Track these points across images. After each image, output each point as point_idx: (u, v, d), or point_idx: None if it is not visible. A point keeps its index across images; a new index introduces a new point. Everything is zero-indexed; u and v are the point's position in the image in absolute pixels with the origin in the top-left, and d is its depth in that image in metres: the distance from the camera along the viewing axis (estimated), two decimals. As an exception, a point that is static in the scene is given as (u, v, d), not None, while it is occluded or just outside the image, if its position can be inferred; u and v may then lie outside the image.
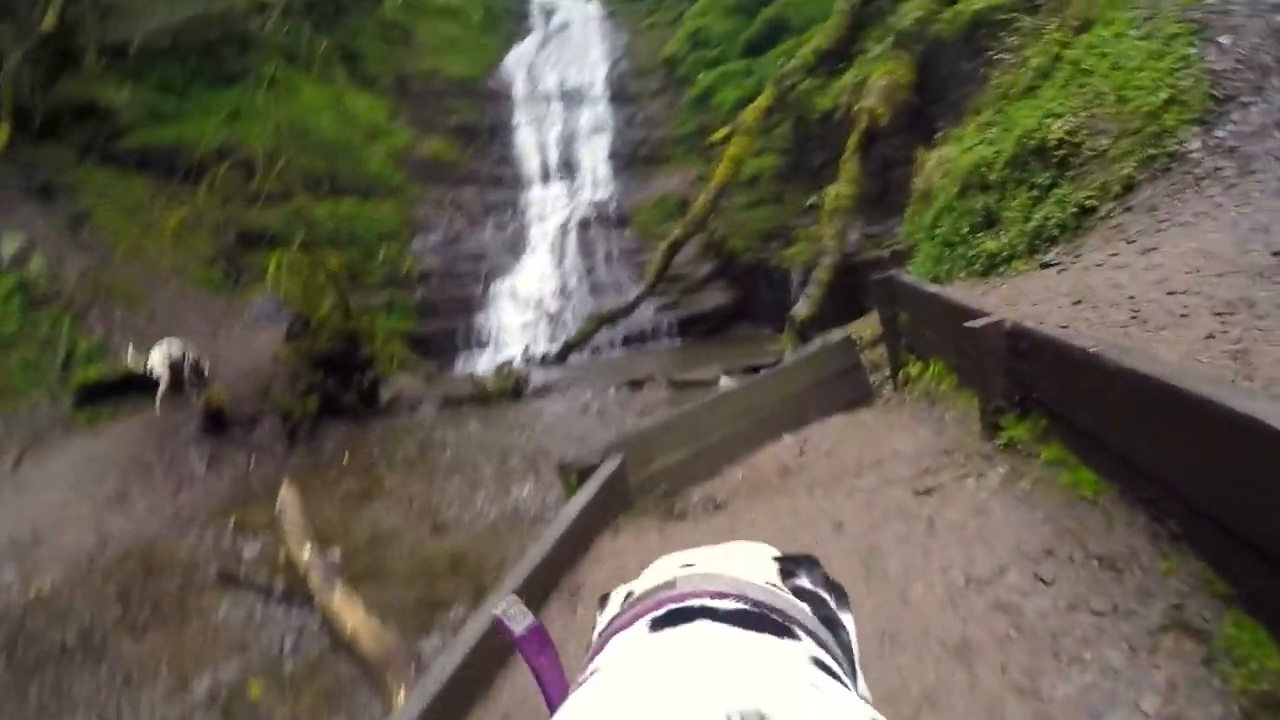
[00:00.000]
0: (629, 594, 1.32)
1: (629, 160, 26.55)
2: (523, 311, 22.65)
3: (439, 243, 23.97)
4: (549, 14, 32.23)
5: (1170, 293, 4.50)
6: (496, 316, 22.59)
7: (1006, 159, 10.93)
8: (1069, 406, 3.71)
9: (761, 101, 20.21)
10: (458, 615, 7.17)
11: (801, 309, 15.61)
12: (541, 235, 24.57)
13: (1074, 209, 9.11)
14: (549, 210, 25.52)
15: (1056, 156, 9.92)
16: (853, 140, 17.10)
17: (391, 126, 25.60)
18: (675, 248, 19.77)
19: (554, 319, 22.25)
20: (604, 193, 25.88)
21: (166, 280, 17.95)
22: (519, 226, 25.05)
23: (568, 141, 27.24)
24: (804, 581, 1.34)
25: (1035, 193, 10.14)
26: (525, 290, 23.08)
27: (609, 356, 20.93)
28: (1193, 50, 9.17)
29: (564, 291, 23.11)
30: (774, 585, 1.26)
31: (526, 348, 21.49)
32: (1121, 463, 3.32)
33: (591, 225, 24.51)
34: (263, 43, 18.51)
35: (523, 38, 30.74)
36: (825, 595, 1.34)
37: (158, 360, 14.23)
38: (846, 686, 1.01)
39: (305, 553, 8.43)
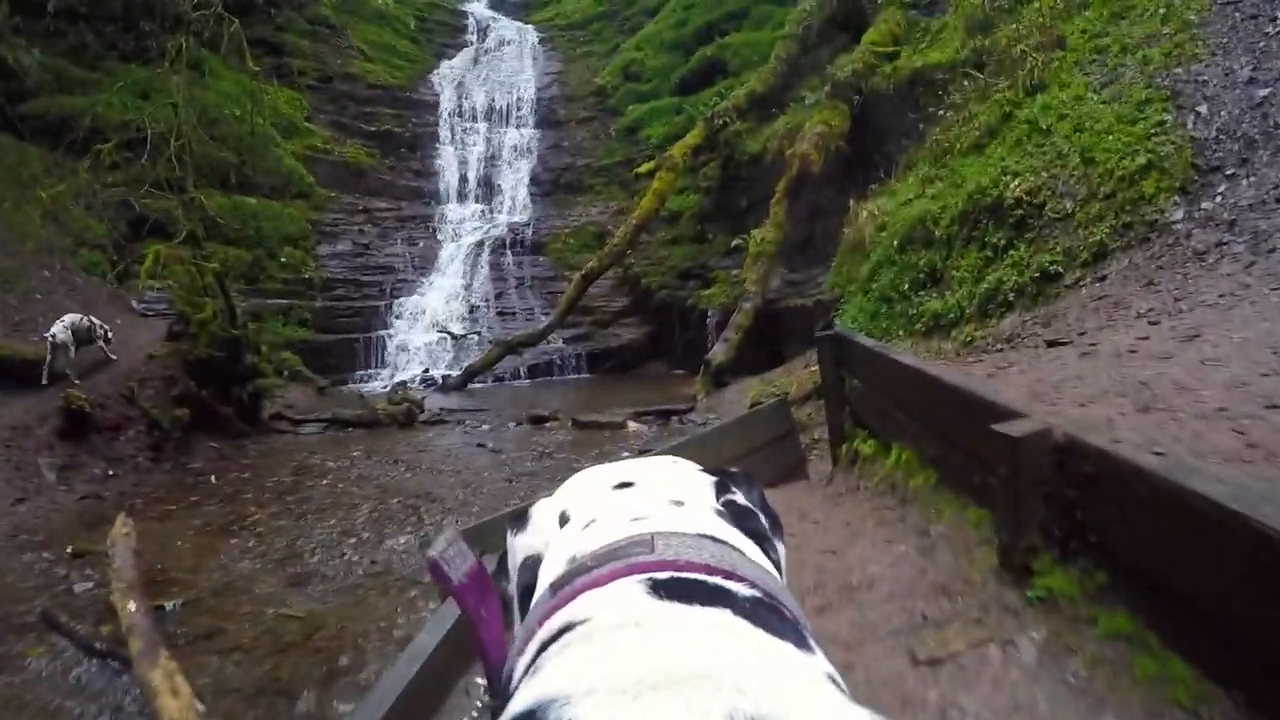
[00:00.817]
0: (564, 514, 1.21)
1: (551, 186, 25.63)
2: (427, 331, 21.42)
3: (346, 251, 22.64)
4: (484, 31, 31.29)
5: (1272, 406, 3.34)
6: (399, 334, 21.32)
7: (955, 215, 9.98)
8: (1154, 563, 2.47)
9: (691, 139, 19.47)
10: (304, 709, 5.77)
11: (719, 353, 14.61)
12: (454, 254, 23.50)
13: (1034, 274, 8.13)
14: (464, 229, 24.50)
15: (1014, 216, 8.97)
16: (782, 185, 16.34)
17: (309, 126, 24.24)
18: (590, 279, 18.82)
19: (459, 342, 21.06)
20: (522, 217, 24.86)
21: (51, 261, 16.29)
22: (431, 243, 23.91)
23: (490, 161, 26.20)
24: (739, 497, 1.27)
25: (987, 253, 9.16)
26: (431, 309, 21.92)
27: (513, 386, 19.81)
28: (1168, 117, 8.29)
29: (471, 314, 22.05)
30: (720, 516, 1.18)
31: (427, 370, 20.29)
32: (1248, 660, 2.15)
33: (506, 249, 23.54)
34: (183, 23, 16.90)
35: (456, 52, 29.72)
36: (758, 511, 1.26)
37: (59, 329, 12.92)
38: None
39: (130, 606, 6.94)
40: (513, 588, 1.25)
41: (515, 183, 25.77)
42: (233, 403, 13.82)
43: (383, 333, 21.19)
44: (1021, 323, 7.48)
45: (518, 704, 0.79)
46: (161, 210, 17.01)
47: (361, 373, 20.39)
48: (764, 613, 0.93)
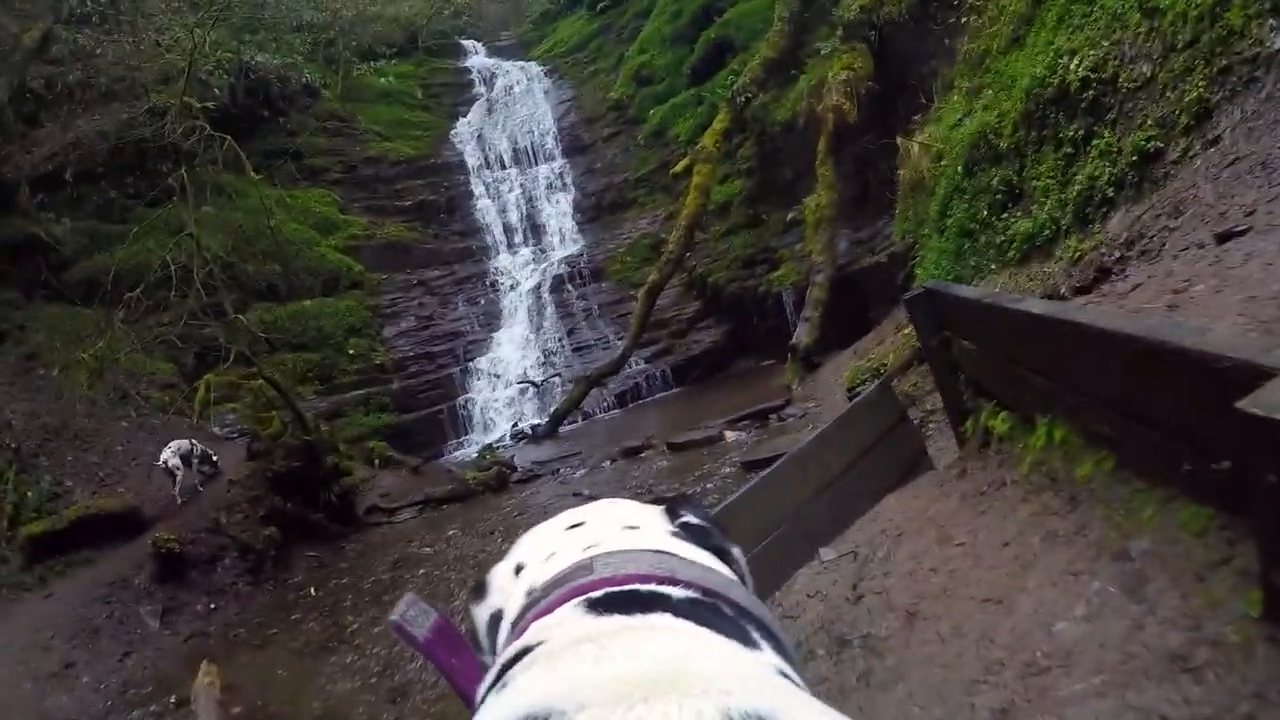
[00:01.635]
0: (519, 566, 1.20)
1: (594, 211, 24.53)
2: (507, 386, 20.52)
3: (411, 328, 21.87)
4: (490, 81, 30.46)
5: None
6: (480, 395, 20.49)
7: (1016, 119, 8.59)
8: None
9: (718, 125, 18.29)
10: None
11: (802, 335, 13.41)
12: (516, 303, 22.57)
13: (1130, 158, 6.73)
14: (520, 276, 23.53)
15: (1084, 100, 7.57)
16: (823, 144, 15.11)
17: (345, 218, 23.62)
18: (655, 292, 17.80)
19: (540, 388, 20.11)
20: (573, 248, 23.85)
21: (126, 411, 16.09)
22: (492, 297, 23.01)
23: (529, 202, 25.21)
24: (691, 518, 1.25)
25: (1067, 150, 7.76)
26: (507, 363, 21.04)
27: (605, 419, 18.79)
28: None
29: (547, 358, 21.05)
30: (676, 537, 1.18)
31: (515, 424, 19.31)
32: None
33: (567, 284, 22.53)
34: (180, 152, 16.74)
35: (468, 108, 28.86)
36: (711, 528, 1.26)
37: (169, 455, 13.15)
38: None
39: None
40: (488, 656, 1.16)
41: (558, 217, 24.80)
42: (322, 507, 13.14)
43: (464, 398, 20.38)
44: (1137, 219, 6.09)
45: (498, 714, 0.79)
46: (218, 337, 16.39)
47: (453, 442, 19.62)
48: (702, 611, 0.94)
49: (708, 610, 0.94)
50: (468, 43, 33.67)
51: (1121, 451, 3.04)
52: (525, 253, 24.43)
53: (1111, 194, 6.90)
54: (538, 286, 22.61)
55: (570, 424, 18.29)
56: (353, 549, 12.66)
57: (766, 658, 0.89)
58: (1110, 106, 7.30)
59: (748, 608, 1.00)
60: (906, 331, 8.90)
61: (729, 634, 0.90)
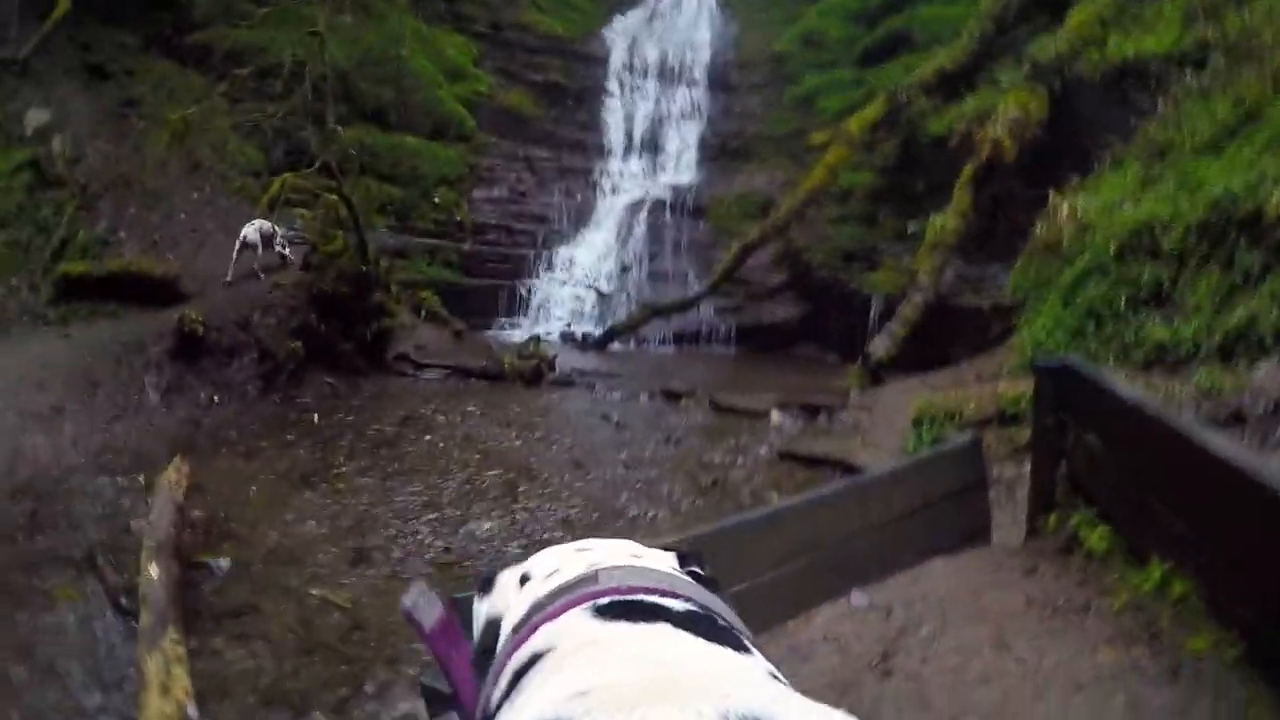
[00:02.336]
0: (525, 576, 1.19)
1: (717, 151, 23.68)
2: (574, 286, 20.07)
3: (501, 198, 21.44)
4: (663, -11, 29.42)
5: None
6: (546, 285, 20.09)
7: (1191, 225, 7.84)
8: None
9: (870, 113, 17.41)
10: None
11: (880, 347, 12.72)
12: (610, 210, 21.98)
13: (1304, 311, 6.06)
14: (624, 186, 22.91)
15: (1277, 235, 6.89)
16: (969, 170, 14.31)
17: (475, 71, 22.93)
18: (749, 250, 17.03)
19: (605, 299, 19.65)
20: (685, 179, 23.06)
21: (202, 184, 15.82)
22: (589, 197, 22.44)
23: (657, 121, 24.37)
24: (698, 569, 1.22)
25: (1235, 277, 7.01)
26: (581, 264, 20.55)
27: (655, 352, 18.33)
28: None
29: (622, 273, 20.52)
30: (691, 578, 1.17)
31: (569, 325, 18.91)
32: None
33: (665, 210, 21.78)
34: None
35: (630, 9, 27.77)
36: (716, 583, 1.21)
37: (250, 230, 13.16)
38: None
39: (151, 570, 5.75)
40: (478, 647, 1.20)
41: (681, 144, 24.01)
42: (355, 340, 12.86)
43: (529, 282, 20.00)
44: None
45: None
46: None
47: (504, 320, 19.32)
48: (699, 622, 0.97)
49: (704, 621, 0.97)
50: (654, -57, 32.50)
51: (1257, 646, 2.48)
52: (637, 165, 23.74)
53: (1270, 342, 6.22)
54: (638, 203, 21.96)
55: (621, 344, 17.90)
56: (370, 390, 12.33)
57: (758, 662, 0.91)
58: (1296, 251, 6.61)
59: (739, 627, 1.03)
60: (1001, 388, 8.25)
61: (723, 642, 0.91)
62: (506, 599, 1.18)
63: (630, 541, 1.32)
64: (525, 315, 19.51)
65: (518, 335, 17.76)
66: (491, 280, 19.73)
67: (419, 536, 7.29)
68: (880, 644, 3.81)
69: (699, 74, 25.31)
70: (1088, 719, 2.76)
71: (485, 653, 1.14)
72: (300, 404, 11.46)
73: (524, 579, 1.19)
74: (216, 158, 16.33)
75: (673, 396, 12.75)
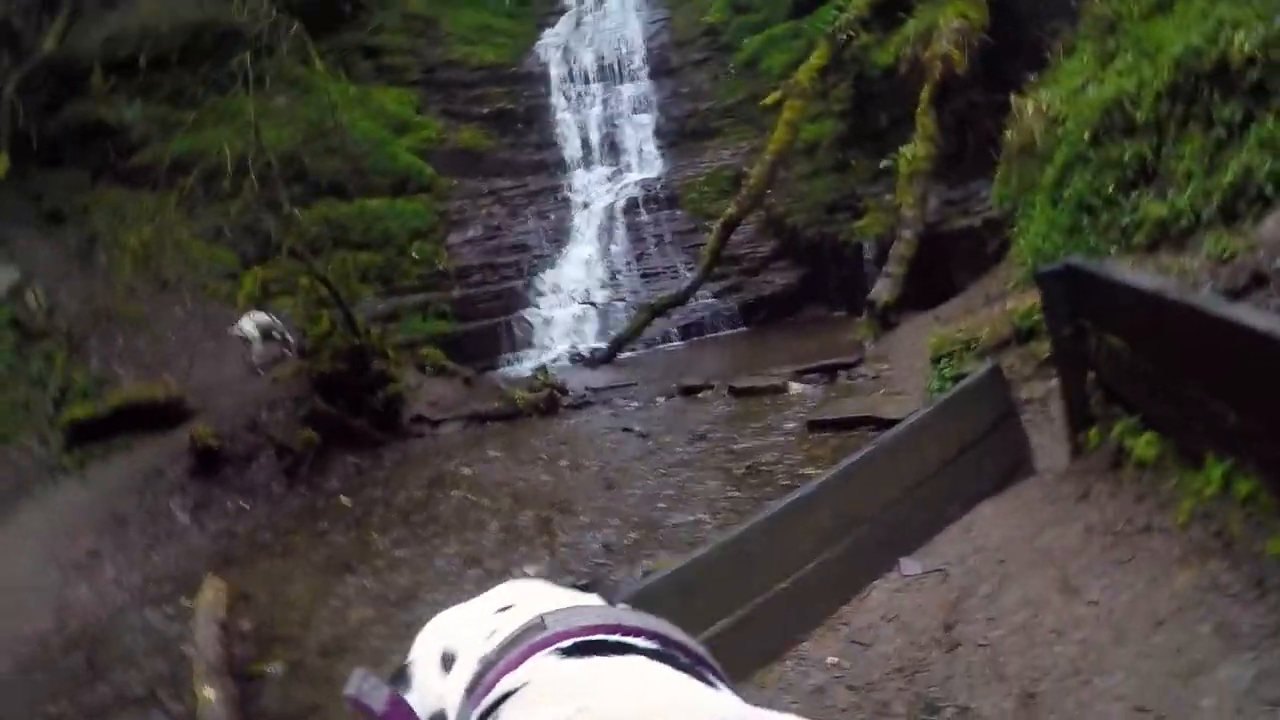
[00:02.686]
0: (448, 656, 1.16)
1: (676, 136, 23.47)
2: (568, 305, 19.90)
3: (477, 236, 21.24)
4: (582, -7, 29.35)
5: None
6: (542, 311, 19.91)
7: (1160, 90, 7.57)
8: None
9: (815, 60, 17.06)
10: None
11: (882, 291, 12.54)
12: (587, 221, 21.73)
13: (1300, 150, 5.78)
14: (594, 194, 22.65)
15: (1248, 81, 6.59)
16: (925, 93, 14.13)
17: (420, 119, 22.89)
18: (731, 226, 16.83)
19: (602, 311, 19.43)
20: (652, 172, 22.87)
21: (182, 298, 15.89)
22: (563, 213, 22.20)
23: (610, 121, 24.18)
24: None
25: (1219, 133, 6.72)
26: (571, 282, 20.37)
27: (666, 350, 18.16)
28: None
29: (614, 280, 20.31)
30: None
31: (573, 345, 18.76)
32: None
33: (640, 207, 21.66)
34: (274, 48, 16.40)
35: (556, 19, 27.67)
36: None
37: (248, 326, 13.56)
38: None
39: (207, 693, 5.75)
40: None
41: (639, 138, 23.78)
42: (366, 413, 12.64)
43: (525, 313, 19.82)
44: None
45: None
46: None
47: (509, 356, 19.10)
48: (668, 658, 0.96)
49: (669, 658, 0.95)
50: (560, -47, 32.36)
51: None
52: (601, 171, 23.50)
53: (1270, 191, 5.95)
54: (610, 207, 21.77)
55: (630, 352, 17.68)
56: (392, 459, 12.17)
57: (728, 697, 0.90)
58: (1277, 91, 6.33)
59: (701, 654, 1.02)
60: (1010, 307, 8.01)
61: (695, 676, 0.92)
62: (436, 692, 1.14)
63: (536, 582, 1.35)
64: (529, 346, 19.30)
65: (526, 368, 17.55)
66: (487, 320, 19.53)
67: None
68: (941, 612, 3.58)
69: (638, 65, 25.14)
70: (1176, 657, 2.52)
71: None
72: (327, 489, 11.35)
73: (447, 660, 1.15)
74: (188, 269, 16.15)
75: (691, 392, 12.55)
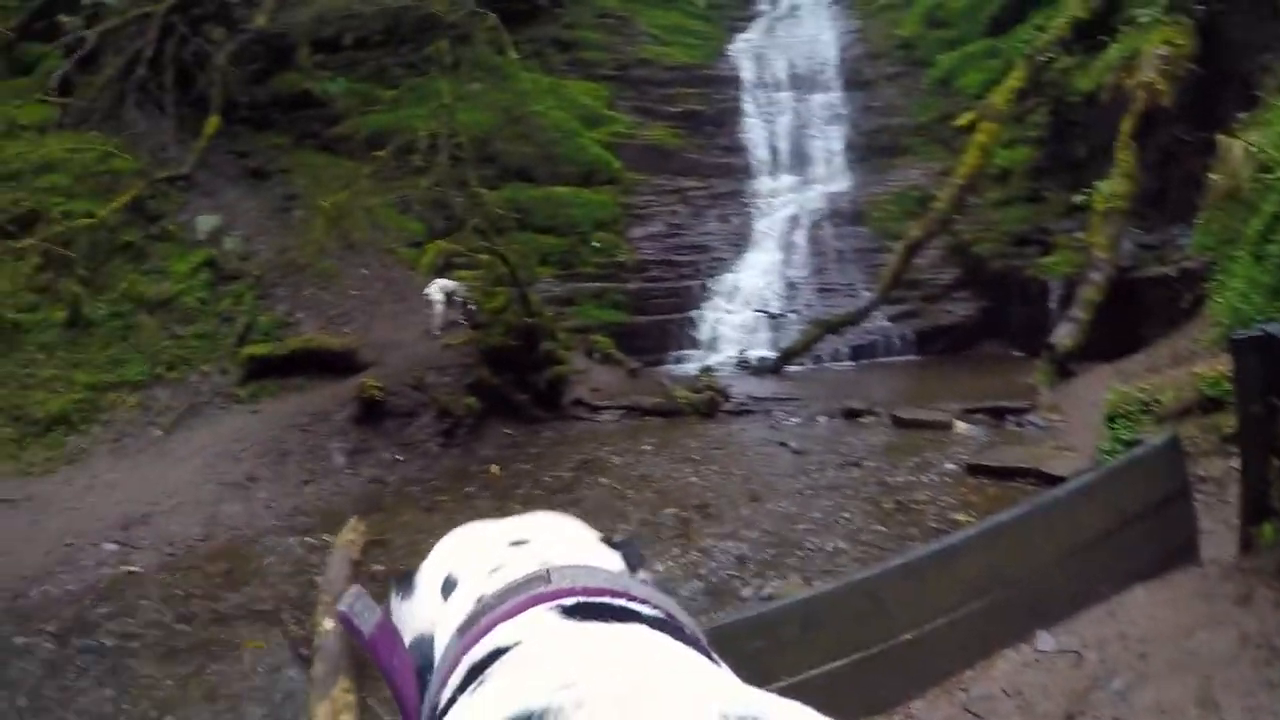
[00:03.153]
0: (450, 581, 1.15)
1: (865, 151, 23.02)
2: (742, 310, 19.75)
3: (659, 232, 21.38)
4: (774, -1, 29.19)
5: None
6: (714, 314, 19.82)
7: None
8: None
9: (1012, 82, 16.43)
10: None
11: (1064, 337, 12.02)
12: (768, 229, 21.54)
13: None
14: (778, 203, 22.44)
15: None
16: (1127, 125, 13.43)
17: (611, 113, 23.18)
18: (914, 249, 16.38)
19: (775, 321, 19.25)
20: (838, 185, 22.51)
21: (369, 260, 17.08)
22: (745, 219, 22.05)
23: (799, 130, 23.87)
24: (640, 567, 1.20)
25: None
26: (747, 288, 20.19)
27: (833, 369, 17.80)
28: None
29: (790, 291, 20.06)
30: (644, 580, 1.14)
31: (742, 351, 18.55)
32: None
33: (824, 220, 21.34)
34: (471, 36, 17.77)
35: (748, 24, 27.67)
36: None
37: (435, 290, 14.37)
38: None
39: (325, 624, 6.18)
40: (406, 654, 1.14)
41: (827, 150, 23.43)
42: (530, 389, 13.29)
43: (697, 313, 19.79)
44: None
45: (483, 714, 0.76)
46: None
47: (676, 354, 19.14)
48: (670, 629, 0.94)
49: (673, 628, 0.94)
50: (756, -44, 32.36)
51: None
52: (787, 180, 23.26)
53: None
54: (794, 217, 21.54)
55: (797, 365, 17.44)
56: (548, 436, 12.68)
57: (729, 676, 0.88)
58: None
59: (700, 637, 0.99)
60: (1198, 370, 7.56)
61: (696, 649, 0.90)
62: (428, 614, 1.14)
63: (567, 520, 1.31)
64: (697, 347, 19.29)
65: (691, 368, 17.55)
66: (660, 316, 19.61)
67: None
68: (1066, 699, 3.41)
69: (831, 75, 24.84)
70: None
71: (421, 671, 1.09)
72: (481, 456, 11.87)
73: (448, 585, 1.14)
74: (377, 234, 17.17)
75: (852, 415, 12.33)
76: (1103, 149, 14.42)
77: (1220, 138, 10.79)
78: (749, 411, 13.44)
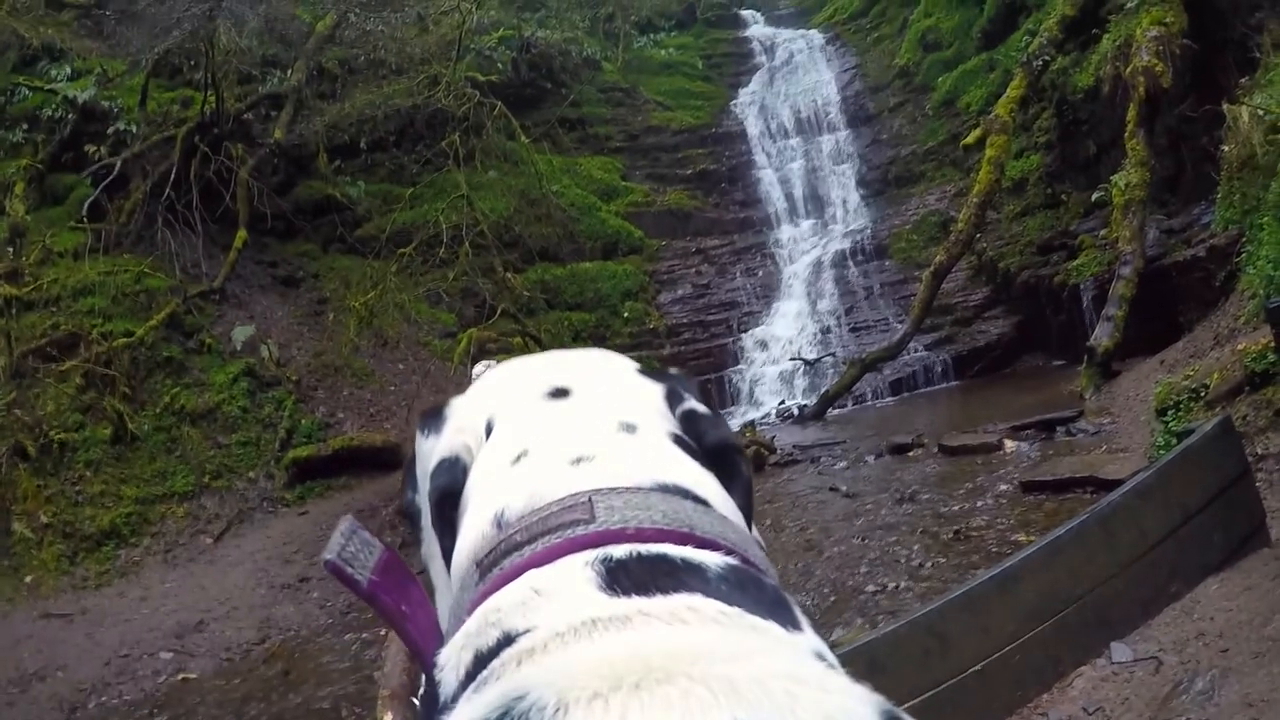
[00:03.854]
0: (489, 421, 1.04)
1: (880, 184, 23.06)
2: (778, 361, 19.59)
3: (687, 294, 21.44)
4: (770, 50, 29.46)
5: None
6: (751, 368, 19.69)
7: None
8: None
9: (1013, 91, 16.19)
10: None
11: (1103, 337, 11.72)
12: (794, 276, 21.54)
13: None
14: (800, 249, 22.50)
15: None
16: (1132, 112, 13.24)
17: (626, 184, 23.56)
18: (941, 275, 16.06)
19: (813, 367, 18.97)
20: (857, 223, 22.48)
21: (404, 355, 17.46)
22: (770, 270, 22.07)
23: (811, 174, 24.02)
24: (696, 405, 1.07)
25: None
26: (780, 337, 20.10)
27: (876, 406, 17.46)
28: None
29: (824, 335, 19.88)
30: (678, 444, 0.98)
31: (782, 402, 18.32)
32: None
33: (848, 260, 21.24)
34: (481, 126, 18.23)
35: (748, 78, 28.13)
36: (717, 419, 1.06)
37: (480, 369, 13.55)
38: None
39: (388, 717, 5.87)
40: (422, 497, 1.05)
41: (842, 190, 23.49)
42: None
43: (734, 370, 19.71)
44: None
45: None
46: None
47: (721, 412, 18.82)
48: (741, 589, 0.76)
49: (749, 584, 0.77)
50: (746, 13, 32.84)
51: None
52: (806, 225, 23.33)
53: None
54: (818, 261, 21.49)
55: (839, 408, 17.07)
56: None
57: (808, 640, 0.74)
58: None
59: (776, 584, 0.84)
60: (1240, 347, 7.24)
61: (770, 615, 0.72)
62: (467, 439, 1.02)
63: (616, 364, 1.18)
64: (737, 403, 19.06)
65: (734, 425, 17.27)
66: (698, 377, 18.97)
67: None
68: (1150, 708, 3.15)
69: (835, 115, 25.06)
70: None
71: (447, 498, 0.97)
72: None
73: (488, 426, 1.03)
74: (409, 328, 17.48)
75: (900, 450, 12.00)
76: (1113, 142, 14.36)
77: (1227, 107, 10.60)
78: (796, 461, 13.14)
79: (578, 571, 0.77)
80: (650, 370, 1.17)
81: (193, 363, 15.02)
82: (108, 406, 13.37)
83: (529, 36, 23.34)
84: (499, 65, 21.64)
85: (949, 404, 16.30)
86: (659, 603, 0.71)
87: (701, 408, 1.06)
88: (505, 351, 15.39)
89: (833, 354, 19.06)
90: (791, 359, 19.29)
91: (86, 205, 16.13)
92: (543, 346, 13.54)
